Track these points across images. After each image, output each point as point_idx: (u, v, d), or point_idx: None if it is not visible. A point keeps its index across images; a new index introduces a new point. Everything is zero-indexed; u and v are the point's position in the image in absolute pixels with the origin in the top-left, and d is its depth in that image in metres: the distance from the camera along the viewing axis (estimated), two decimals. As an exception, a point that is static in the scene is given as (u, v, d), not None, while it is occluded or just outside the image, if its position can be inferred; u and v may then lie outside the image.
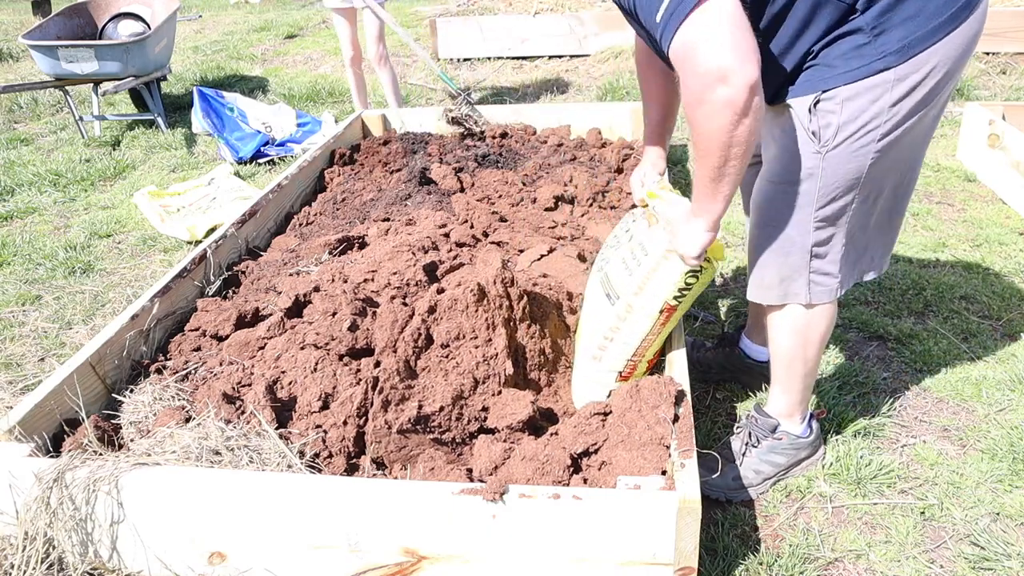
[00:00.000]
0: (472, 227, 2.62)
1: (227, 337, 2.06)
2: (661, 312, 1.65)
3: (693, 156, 1.45)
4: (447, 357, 1.78)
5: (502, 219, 2.74)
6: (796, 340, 1.72)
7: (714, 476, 1.81)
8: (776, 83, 1.55)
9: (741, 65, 1.26)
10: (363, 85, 4.65)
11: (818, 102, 1.48)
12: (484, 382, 1.74)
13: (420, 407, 1.65)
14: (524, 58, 6.12)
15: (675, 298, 1.64)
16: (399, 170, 3.40)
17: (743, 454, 1.86)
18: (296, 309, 2.07)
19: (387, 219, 2.75)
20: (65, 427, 1.73)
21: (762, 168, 1.66)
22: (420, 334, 1.79)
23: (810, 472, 1.87)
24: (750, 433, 1.86)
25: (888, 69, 1.42)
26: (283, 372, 1.82)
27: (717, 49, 1.26)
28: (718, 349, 2.23)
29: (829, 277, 1.64)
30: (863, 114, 1.46)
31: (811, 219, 1.57)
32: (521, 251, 2.45)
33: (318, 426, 1.68)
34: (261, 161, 4.38)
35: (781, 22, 1.47)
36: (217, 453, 1.56)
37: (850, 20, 1.43)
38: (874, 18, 1.41)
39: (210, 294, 2.38)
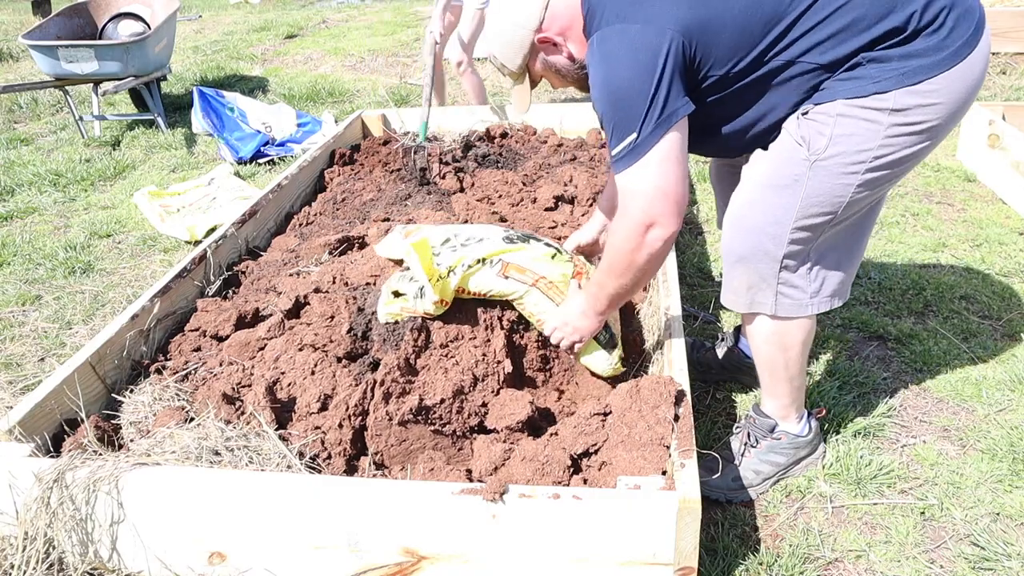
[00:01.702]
0: (472, 227, 2.62)
1: (227, 337, 2.06)
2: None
3: (601, 271, 1.66)
4: (447, 356, 1.79)
5: (502, 219, 2.74)
6: (773, 349, 1.73)
7: (714, 477, 1.81)
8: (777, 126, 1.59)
9: (667, 221, 1.50)
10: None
11: (809, 112, 1.50)
12: (483, 380, 1.74)
13: (421, 400, 1.65)
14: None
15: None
16: (399, 170, 3.40)
17: (742, 454, 1.86)
18: (296, 310, 2.07)
19: (387, 219, 2.75)
20: (65, 427, 1.73)
21: (747, 171, 1.66)
22: (420, 334, 1.79)
23: (810, 472, 1.87)
24: (749, 433, 1.86)
25: (883, 93, 1.43)
26: (283, 373, 1.82)
27: (651, 204, 1.49)
28: (718, 349, 2.24)
29: (798, 291, 1.64)
30: (857, 136, 1.47)
31: (788, 231, 1.57)
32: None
33: (317, 427, 1.68)
34: (261, 161, 4.38)
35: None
36: (217, 453, 1.56)
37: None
38: (871, 51, 1.44)
39: (210, 294, 2.38)
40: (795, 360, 1.73)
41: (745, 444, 1.86)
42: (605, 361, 1.87)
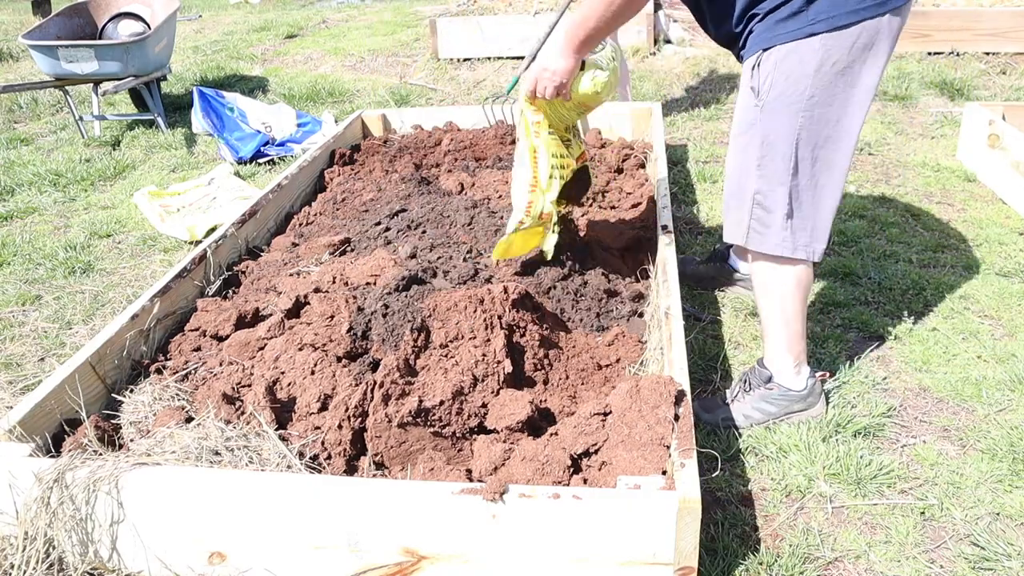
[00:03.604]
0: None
1: (227, 337, 2.06)
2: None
3: (583, 6, 1.74)
4: (446, 356, 1.79)
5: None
6: (766, 296, 1.91)
7: (706, 414, 1.99)
8: (730, 37, 1.78)
9: None
10: None
11: (760, 63, 1.68)
12: (483, 380, 1.74)
13: (420, 401, 1.65)
14: (524, 58, 6.09)
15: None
16: (399, 170, 3.40)
17: (735, 398, 2.01)
18: (296, 310, 2.07)
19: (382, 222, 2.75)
20: (65, 427, 1.73)
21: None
22: (419, 334, 1.79)
23: (810, 472, 1.87)
24: (746, 380, 2.01)
25: (816, 35, 1.60)
26: (283, 373, 1.82)
27: None
28: (708, 263, 2.53)
29: (771, 231, 1.79)
30: (793, 74, 1.65)
31: (753, 167, 1.76)
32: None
33: (317, 427, 1.68)
34: (261, 161, 4.38)
35: None
36: (217, 453, 1.56)
37: None
38: None
39: (210, 294, 2.38)
40: (788, 306, 1.89)
41: (740, 388, 2.01)
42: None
